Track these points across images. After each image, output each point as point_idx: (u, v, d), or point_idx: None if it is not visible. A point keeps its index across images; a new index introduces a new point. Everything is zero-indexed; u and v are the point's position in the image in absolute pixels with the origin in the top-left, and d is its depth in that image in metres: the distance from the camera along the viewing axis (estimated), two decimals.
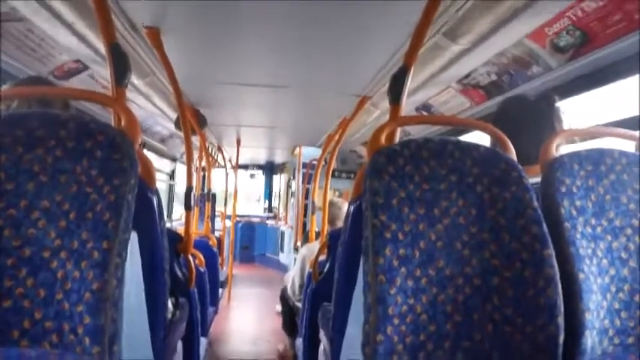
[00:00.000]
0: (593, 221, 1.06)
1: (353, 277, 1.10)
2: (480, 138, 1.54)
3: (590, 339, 0.98)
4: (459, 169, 1.06)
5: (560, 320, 0.95)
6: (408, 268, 0.97)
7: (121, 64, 1.22)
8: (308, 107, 3.24)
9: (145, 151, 4.23)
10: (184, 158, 2.40)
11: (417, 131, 3.52)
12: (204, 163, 4.38)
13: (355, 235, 1.08)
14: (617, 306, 1.03)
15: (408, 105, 1.76)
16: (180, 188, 5.71)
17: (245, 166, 8.29)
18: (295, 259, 3.51)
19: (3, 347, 0.83)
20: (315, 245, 2.89)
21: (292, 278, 3.06)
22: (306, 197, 5.54)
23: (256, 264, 8.03)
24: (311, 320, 2.10)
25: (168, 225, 4.42)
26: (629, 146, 1.20)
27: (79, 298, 0.87)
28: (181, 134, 2.47)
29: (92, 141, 0.96)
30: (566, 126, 1.29)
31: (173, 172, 5.85)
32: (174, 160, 5.68)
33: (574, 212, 1.04)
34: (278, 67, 2.32)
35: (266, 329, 4.02)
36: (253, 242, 8.25)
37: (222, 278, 4.08)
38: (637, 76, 1.62)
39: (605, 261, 1.04)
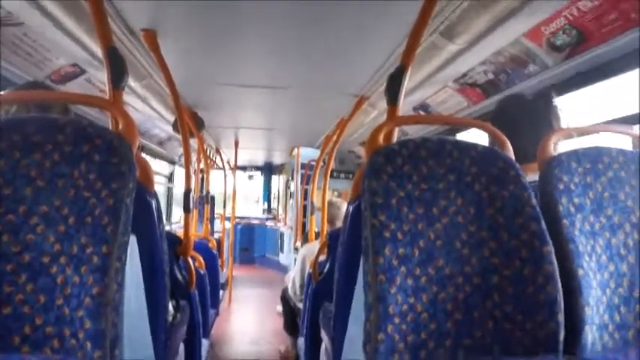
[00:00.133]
0: (591, 218, 1.06)
1: (353, 277, 1.10)
2: (477, 137, 1.54)
3: (591, 334, 0.98)
4: (458, 169, 1.06)
5: (561, 316, 0.95)
6: (407, 267, 0.97)
7: (117, 67, 1.22)
8: (306, 108, 3.24)
9: (143, 154, 4.22)
10: (182, 161, 2.39)
11: (414, 131, 3.53)
12: (202, 166, 4.38)
13: (355, 235, 1.08)
14: (616, 301, 1.03)
15: (405, 105, 1.77)
16: (179, 191, 5.71)
17: (243, 168, 8.29)
18: (295, 260, 3.52)
19: (4, 353, 0.83)
20: (314, 245, 2.89)
21: (293, 278, 3.06)
22: (305, 198, 5.55)
23: (256, 265, 8.03)
24: (312, 320, 2.11)
25: (167, 228, 4.43)
26: (627, 143, 1.21)
27: (80, 303, 0.87)
28: (179, 137, 2.47)
29: (90, 145, 0.96)
30: (563, 124, 1.30)
31: (171, 174, 5.84)
32: (172, 162, 5.68)
33: (572, 209, 1.05)
34: (275, 68, 2.32)
35: (267, 330, 4.02)
36: (253, 244, 8.25)
37: (222, 280, 4.08)
38: (633, 72, 1.63)
39: (604, 257, 1.04)
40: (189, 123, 2.97)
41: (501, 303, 0.99)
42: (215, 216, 5.34)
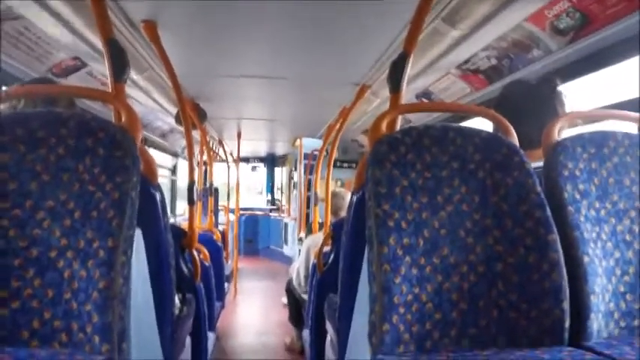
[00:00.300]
0: (596, 204, 1.05)
1: (358, 267, 1.10)
2: (481, 123, 1.53)
3: (596, 322, 0.98)
4: (461, 156, 1.05)
5: (566, 304, 0.95)
6: (412, 256, 0.97)
7: (119, 60, 1.21)
8: (308, 98, 3.23)
9: (146, 147, 4.22)
10: (185, 153, 2.39)
11: (417, 118, 3.51)
12: (205, 158, 4.38)
13: (359, 224, 1.08)
14: (622, 289, 1.03)
15: (408, 92, 1.75)
16: (183, 183, 5.72)
17: (246, 159, 8.28)
18: (299, 251, 3.52)
19: (13, 348, 0.83)
20: (318, 236, 2.89)
21: (297, 270, 3.07)
22: (309, 189, 5.54)
23: (261, 257, 8.06)
24: (317, 311, 2.11)
25: (172, 221, 4.44)
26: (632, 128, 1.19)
27: (87, 297, 0.87)
28: (182, 129, 2.46)
29: (93, 138, 0.96)
30: (568, 109, 1.28)
31: (175, 167, 5.84)
32: (175, 155, 5.68)
33: (577, 196, 1.04)
34: (276, 58, 2.31)
35: (273, 322, 4.04)
36: (257, 235, 8.27)
37: (227, 272, 4.10)
38: (637, 57, 1.60)
39: (609, 244, 1.04)
40: (192, 115, 2.96)
41: (506, 291, 0.98)
42: (219, 208, 5.34)
